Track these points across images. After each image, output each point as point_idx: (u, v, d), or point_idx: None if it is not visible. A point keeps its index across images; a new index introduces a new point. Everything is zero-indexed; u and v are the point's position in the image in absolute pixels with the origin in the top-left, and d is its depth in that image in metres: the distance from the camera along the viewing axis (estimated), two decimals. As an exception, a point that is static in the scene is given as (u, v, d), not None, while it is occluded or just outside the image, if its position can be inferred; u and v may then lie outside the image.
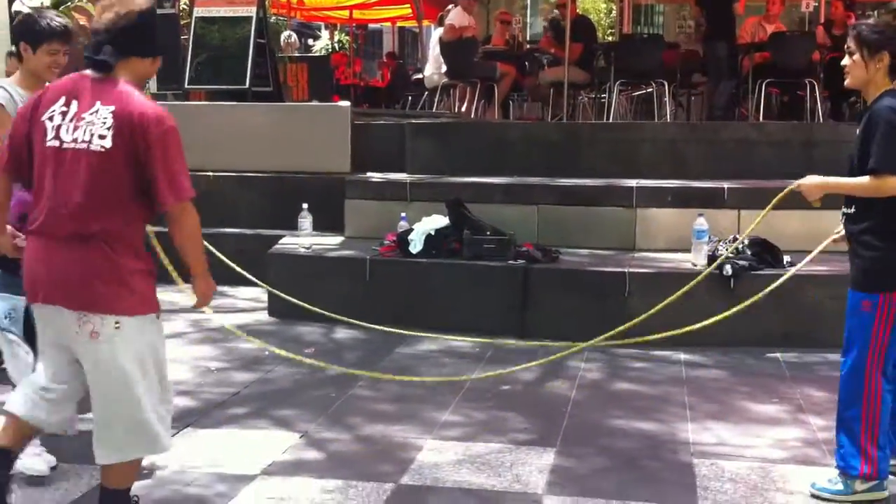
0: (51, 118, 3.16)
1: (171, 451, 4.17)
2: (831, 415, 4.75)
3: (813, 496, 3.77)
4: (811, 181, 3.95)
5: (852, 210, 3.82)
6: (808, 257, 4.56)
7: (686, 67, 11.29)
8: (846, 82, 3.92)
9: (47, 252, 3.13)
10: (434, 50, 11.58)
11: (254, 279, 5.06)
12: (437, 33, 12.07)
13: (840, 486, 3.75)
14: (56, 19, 4.24)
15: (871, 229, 3.71)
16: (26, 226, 3.26)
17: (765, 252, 6.31)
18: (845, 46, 3.85)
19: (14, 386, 3.71)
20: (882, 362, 3.71)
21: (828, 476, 3.83)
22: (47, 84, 3.64)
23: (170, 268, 4.17)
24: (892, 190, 3.63)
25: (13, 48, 4.33)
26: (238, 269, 5.02)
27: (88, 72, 3.21)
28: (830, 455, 4.21)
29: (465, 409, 4.88)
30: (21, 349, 3.78)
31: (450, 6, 12.64)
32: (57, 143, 3.13)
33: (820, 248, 4.40)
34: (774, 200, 4.37)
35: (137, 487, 3.83)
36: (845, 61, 3.84)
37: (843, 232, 4.07)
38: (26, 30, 4.23)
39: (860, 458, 3.69)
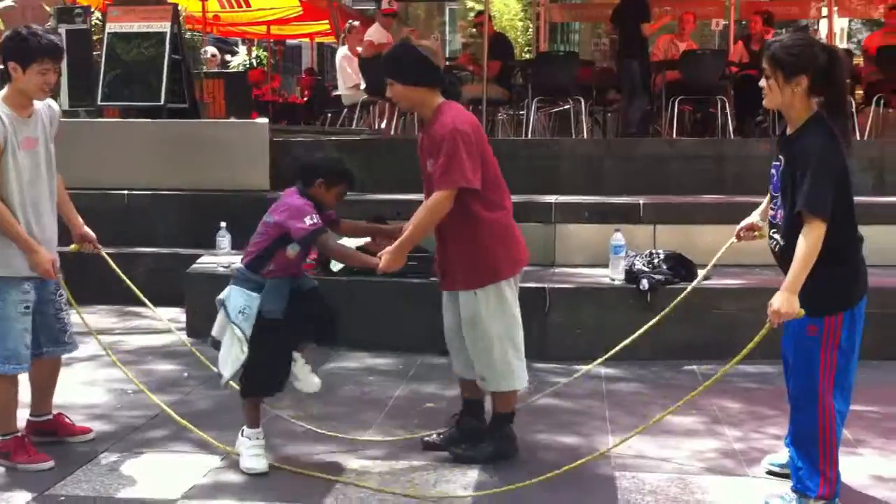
0: (483, 131, 4.28)
1: (86, 476, 4.13)
2: (746, 425, 4.92)
3: None
4: (783, 302, 3.54)
5: (784, 242, 3.72)
6: (712, 262, 4.87)
7: (601, 85, 11.53)
8: (764, 102, 3.78)
9: (515, 229, 4.32)
10: (343, 69, 11.61)
11: (146, 301, 4.98)
12: (341, 51, 12.11)
13: None
14: (47, 36, 4.13)
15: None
16: (505, 213, 4.28)
17: (679, 266, 6.45)
18: (762, 66, 3.69)
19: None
20: (832, 383, 3.69)
21: (779, 493, 3.85)
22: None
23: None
24: (821, 232, 3.51)
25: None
26: (136, 290, 4.91)
27: (442, 99, 4.24)
28: (746, 464, 4.34)
29: (389, 427, 4.87)
30: (241, 346, 4.10)
31: (352, 21, 12.69)
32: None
33: (716, 257, 4.73)
34: (757, 338, 3.79)
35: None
36: (762, 83, 3.69)
37: (742, 228, 4.35)
38: (15, 48, 4.10)
39: (819, 480, 3.68)
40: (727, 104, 10.03)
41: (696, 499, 3.95)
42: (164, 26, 9.80)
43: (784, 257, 3.72)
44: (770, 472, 4.20)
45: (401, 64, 4.28)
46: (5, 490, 3.99)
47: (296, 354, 4.38)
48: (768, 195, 3.99)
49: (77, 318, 4.61)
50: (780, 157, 3.75)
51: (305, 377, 4.40)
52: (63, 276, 4.38)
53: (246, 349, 4.10)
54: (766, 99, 3.75)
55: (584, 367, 5.36)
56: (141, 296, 4.95)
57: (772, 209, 3.88)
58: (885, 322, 5.82)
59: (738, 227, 4.48)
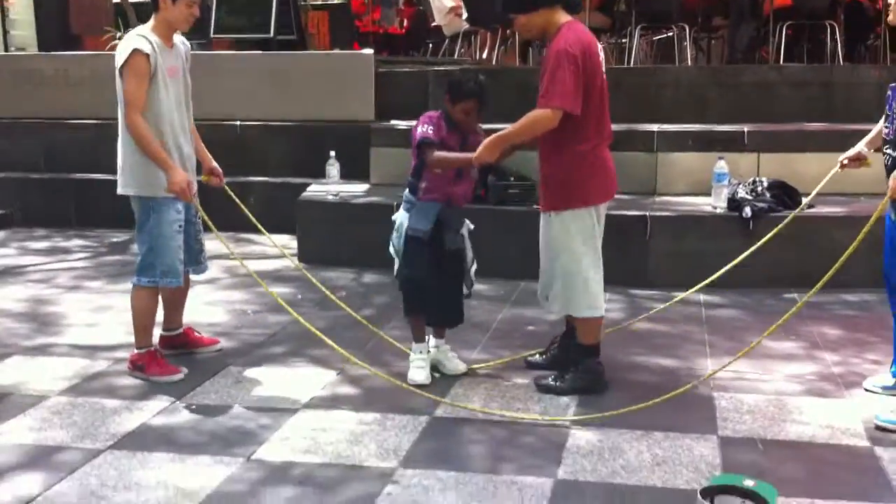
0: (598, 58, 4.20)
1: (215, 387, 4.46)
2: (846, 350, 4.97)
3: (878, 428, 3.89)
4: None
5: None
6: (816, 189, 4.82)
7: (707, 11, 11.28)
8: (889, 18, 4.02)
9: (609, 160, 4.37)
10: (434, 3, 11.64)
11: (261, 228, 5.14)
12: None
13: None
14: None
15: None
16: (599, 141, 4.30)
17: (783, 194, 6.44)
18: None
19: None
20: None
21: (891, 407, 3.97)
22: (555, 31, 4.20)
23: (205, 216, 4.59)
24: None
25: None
26: (253, 218, 5.07)
27: (567, 17, 4.23)
28: (845, 387, 4.42)
29: (493, 348, 5.08)
30: (396, 259, 4.53)
31: None
32: (604, 76, 4.23)
33: (820, 185, 4.70)
34: (877, 213, 4.05)
35: (179, 419, 4.09)
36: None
37: (847, 157, 4.38)
38: None
39: None
40: (837, 30, 9.73)
41: (792, 418, 4.06)
42: (274, -43, 10.00)
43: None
44: (868, 391, 4.32)
45: None
46: (140, 399, 4.34)
47: (438, 341, 4.66)
48: (877, 125, 4.17)
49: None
50: None
51: (449, 362, 4.66)
52: (198, 200, 4.68)
53: (397, 262, 4.50)
54: (892, 14, 3.98)
55: (682, 294, 5.41)
56: (261, 227, 5.12)
57: (886, 127, 4.02)
58: None
59: (843, 155, 4.51)
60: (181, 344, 4.92)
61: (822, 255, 6.19)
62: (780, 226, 5.12)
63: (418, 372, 4.51)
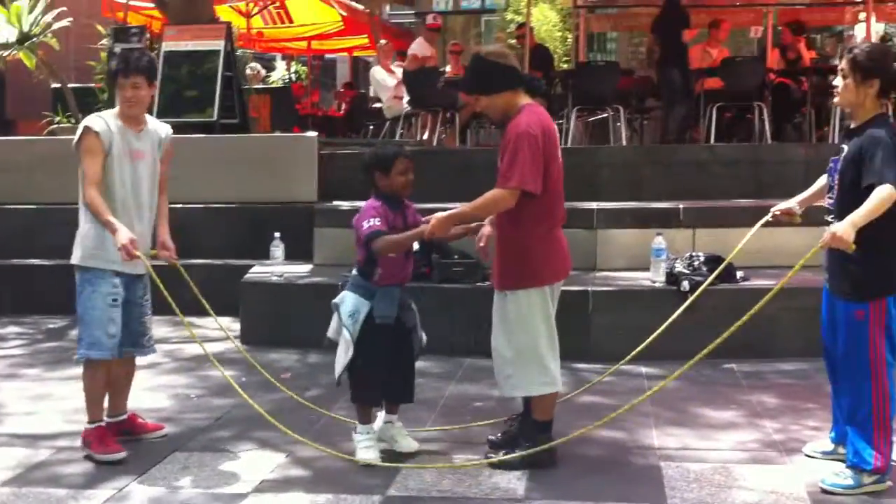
0: (556, 140, 4.34)
1: (162, 474, 4.39)
2: (785, 418, 5.09)
3: (824, 491, 4.00)
4: (842, 228, 3.80)
5: (838, 221, 3.97)
6: (741, 243, 4.99)
7: (640, 93, 11.67)
8: (835, 100, 4.18)
9: (563, 240, 4.44)
10: (378, 84, 11.93)
11: (209, 309, 5.09)
12: (375, 67, 12.43)
13: (850, 481, 4.00)
14: (131, 55, 4.59)
15: (861, 242, 3.81)
16: (554, 222, 4.38)
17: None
18: (839, 68, 4.07)
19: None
20: (884, 362, 3.97)
21: (834, 471, 4.08)
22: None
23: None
24: (892, 195, 3.78)
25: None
26: (202, 298, 5.05)
27: (528, 99, 4.35)
28: (786, 454, 4.51)
29: (442, 424, 5.09)
30: (348, 347, 4.43)
31: (383, 41, 13.01)
32: (560, 159, 4.33)
33: (751, 232, 4.83)
34: (808, 255, 4.06)
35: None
36: (837, 81, 4.07)
37: (780, 209, 4.56)
38: (111, 67, 4.68)
39: (873, 454, 3.96)
40: (765, 110, 10.14)
41: (738, 485, 4.14)
42: (219, 44, 10.10)
43: None
44: (808, 457, 4.44)
45: (477, 77, 4.42)
46: (87, 487, 4.25)
47: (391, 417, 4.67)
48: (812, 186, 4.46)
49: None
50: (843, 146, 4.07)
51: (403, 439, 4.65)
52: (148, 278, 4.69)
53: (352, 350, 4.42)
54: (838, 97, 4.12)
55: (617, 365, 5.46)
56: (209, 308, 5.08)
57: (829, 198, 4.18)
58: None
59: (776, 207, 4.68)
60: (126, 430, 4.86)
61: (758, 326, 6.37)
62: (704, 284, 5.38)
63: (367, 451, 4.49)
